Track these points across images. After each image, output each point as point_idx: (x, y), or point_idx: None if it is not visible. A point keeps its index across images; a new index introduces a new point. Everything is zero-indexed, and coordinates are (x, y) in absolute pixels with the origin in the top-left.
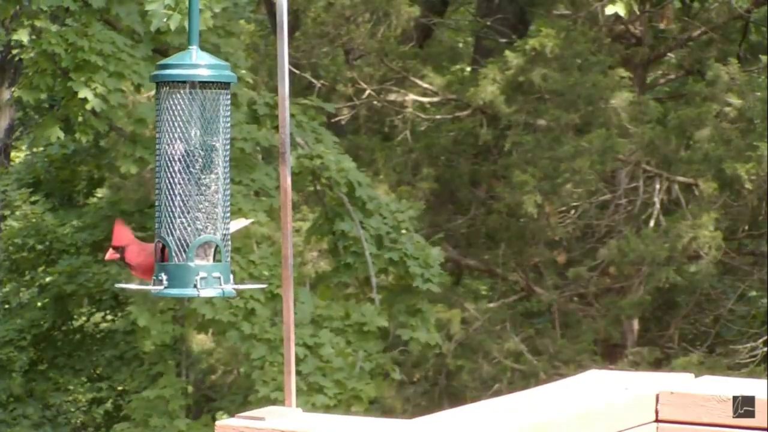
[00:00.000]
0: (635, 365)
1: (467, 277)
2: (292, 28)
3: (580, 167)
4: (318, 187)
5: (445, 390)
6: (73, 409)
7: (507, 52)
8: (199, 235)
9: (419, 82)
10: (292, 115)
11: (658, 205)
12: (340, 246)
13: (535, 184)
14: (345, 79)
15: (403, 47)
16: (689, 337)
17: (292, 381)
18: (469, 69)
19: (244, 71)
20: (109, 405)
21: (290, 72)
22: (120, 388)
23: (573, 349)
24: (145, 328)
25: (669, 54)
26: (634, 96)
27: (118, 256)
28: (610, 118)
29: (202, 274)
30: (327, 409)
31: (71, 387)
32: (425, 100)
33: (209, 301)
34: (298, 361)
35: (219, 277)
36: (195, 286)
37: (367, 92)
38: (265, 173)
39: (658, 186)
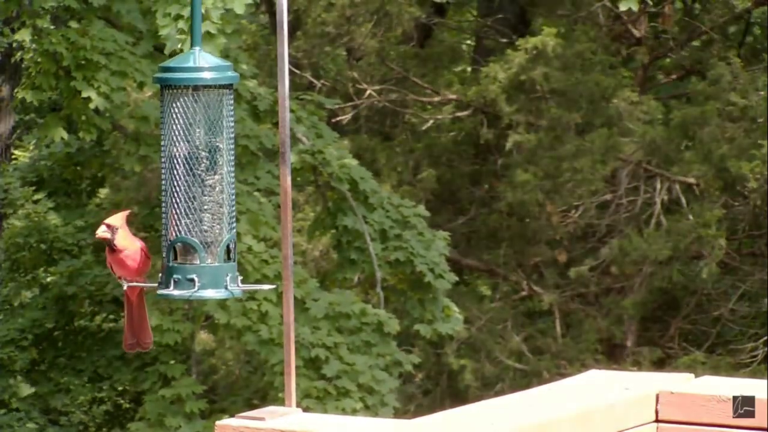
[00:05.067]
0: (637, 365)
1: (468, 276)
2: (293, 28)
3: (582, 167)
4: (319, 183)
5: (447, 389)
6: (73, 410)
7: (508, 51)
8: (204, 235)
9: (420, 82)
10: (291, 111)
11: (658, 205)
12: (343, 241)
13: (536, 183)
14: (346, 79)
15: (404, 47)
16: (690, 337)
17: (292, 381)
18: (470, 69)
19: (245, 66)
20: (109, 405)
21: (290, 71)
22: (120, 388)
23: (576, 349)
24: (158, 327)
25: (669, 54)
26: (636, 95)
27: (108, 236)
28: (612, 117)
29: (195, 275)
30: (354, 413)
31: (72, 387)
32: (426, 100)
33: (222, 304)
34: (321, 363)
35: (229, 277)
36: (225, 287)
37: (368, 92)
38: (267, 171)
39: (658, 186)
